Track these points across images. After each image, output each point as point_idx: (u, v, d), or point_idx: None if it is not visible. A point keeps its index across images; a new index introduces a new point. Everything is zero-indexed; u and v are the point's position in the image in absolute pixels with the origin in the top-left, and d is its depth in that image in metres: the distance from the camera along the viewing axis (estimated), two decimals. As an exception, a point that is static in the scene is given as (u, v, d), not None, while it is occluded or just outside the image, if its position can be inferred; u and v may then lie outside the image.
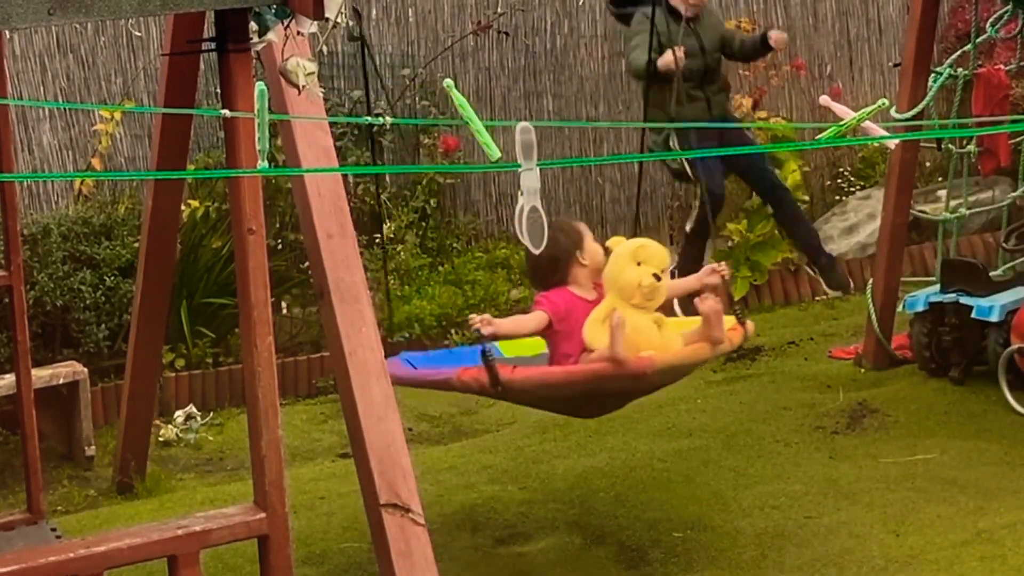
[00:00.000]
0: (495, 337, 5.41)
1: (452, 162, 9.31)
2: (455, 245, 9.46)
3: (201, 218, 8.46)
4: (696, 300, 5.64)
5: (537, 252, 4.43)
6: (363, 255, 5.58)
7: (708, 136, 7.81)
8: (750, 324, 5.87)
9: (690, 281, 6.01)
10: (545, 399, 5.67)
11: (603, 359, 5.31)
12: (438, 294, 8.94)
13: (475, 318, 5.35)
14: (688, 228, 8.29)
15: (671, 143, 7.85)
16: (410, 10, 9.53)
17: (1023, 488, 6.28)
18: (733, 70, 10.07)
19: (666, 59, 7.58)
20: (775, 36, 8.16)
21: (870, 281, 8.17)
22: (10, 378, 6.52)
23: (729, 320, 5.76)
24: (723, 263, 5.96)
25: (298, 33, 4.12)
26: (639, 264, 5.55)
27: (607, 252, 5.73)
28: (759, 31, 8.84)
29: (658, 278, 5.54)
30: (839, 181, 10.32)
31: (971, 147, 7.98)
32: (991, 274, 7.79)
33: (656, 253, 5.64)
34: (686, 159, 7.84)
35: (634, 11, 8.04)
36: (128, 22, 8.75)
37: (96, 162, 8.64)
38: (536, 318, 5.59)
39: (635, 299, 5.51)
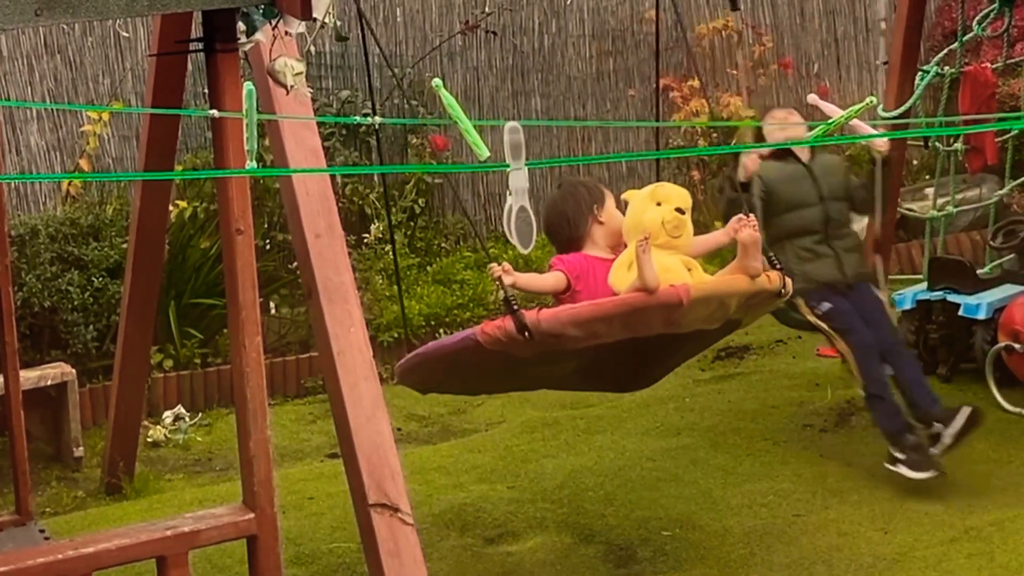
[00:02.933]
0: (514, 286, 5.06)
1: (440, 162, 9.32)
2: (443, 245, 9.46)
3: (189, 219, 8.45)
4: (731, 226, 5.32)
5: (526, 251, 4.41)
6: (351, 255, 5.58)
7: (837, 290, 6.73)
8: (788, 280, 5.41)
9: (718, 235, 5.54)
10: (578, 346, 5.10)
11: (634, 289, 4.99)
12: (427, 294, 8.95)
13: (495, 267, 5.05)
14: (861, 392, 6.78)
15: (800, 304, 6.70)
16: (398, 10, 9.54)
17: (1011, 485, 6.30)
18: (721, 69, 10.09)
19: (749, 163, 6.54)
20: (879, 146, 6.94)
21: (858, 279, 8.17)
22: (-2, 379, 6.50)
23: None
24: (751, 214, 5.49)
25: (286, 33, 4.12)
26: (659, 204, 5.26)
27: (624, 205, 5.47)
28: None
29: (682, 211, 5.24)
30: (827, 180, 10.33)
31: (958, 145, 7.99)
32: (978, 272, 7.80)
33: (675, 191, 5.33)
34: (812, 311, 6.69)
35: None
36: (116, 23, 8.74)
37: (84, 163, 8.63)
38: (554, 277, 5.31)
39: (661, 238, 5.18)
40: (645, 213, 5.22)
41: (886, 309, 7.00)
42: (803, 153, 6.83)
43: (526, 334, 4.86)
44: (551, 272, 5.33)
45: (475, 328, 5.01)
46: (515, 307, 4.85)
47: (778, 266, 5.36)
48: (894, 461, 6.39)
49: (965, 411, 6.45)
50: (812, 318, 6.70)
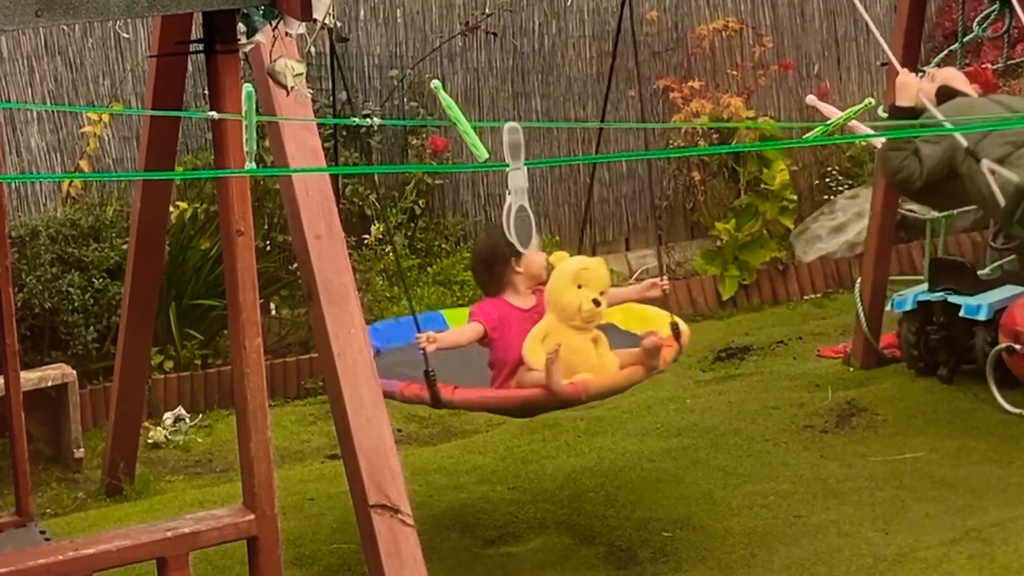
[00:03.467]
0: (439, 350, 5.58)
1: (440, 163, 9.31)
2: (444, 246, 9.46)
3: (189, 220, 8.45)
4: (641, 333, 5.81)
5: (524, 251, 4.46)
6: (351, 256, 5.58)
7: None
8: (685, 336, 5.94)
9: (628, 292, 6.23)
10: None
11: (539, 386, 5.50)
12: (427, 295, 8.94)
13: (420, 336, 5.50)
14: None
15: None
16: (398, 11, 9.53)
17: (1011, 486, 6.30)
18: (721, 70, 10.09)
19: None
20: None
21: (858, 280, 8.18)
22: (-2, 380, 6.50)
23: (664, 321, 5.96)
24: (664, 277, 6.09)
25: (286, 34, 4.11)
26: (580, 287, 5.67)
27: (550, 267, 5.88)
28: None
29: (598, 303, 5.67)
30: (827, 180, 10.34)
31: (959, 146, 7.97)
32: (979, 273, 7.80)
33: (597, 276, 5.73)
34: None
35: None
36: (116, 24, 8.74)
37: (84, 164, 8.63)
38: (472, 329, 5.79)
39: (575, 321, 5.65)
40: (565, 294, 5.65)
41: None
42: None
43: (439, 406, 5.54)
44: (469, 324, 5.83)
45: (400, 384, 5.54)
46: (433, 382, 5.41)
47: (677, 334, 5.87)
48: None
49: None
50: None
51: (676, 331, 5.92)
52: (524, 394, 5.59)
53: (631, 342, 5.95)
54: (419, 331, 5.54)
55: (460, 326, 5.92)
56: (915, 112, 6.59)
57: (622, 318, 6.21)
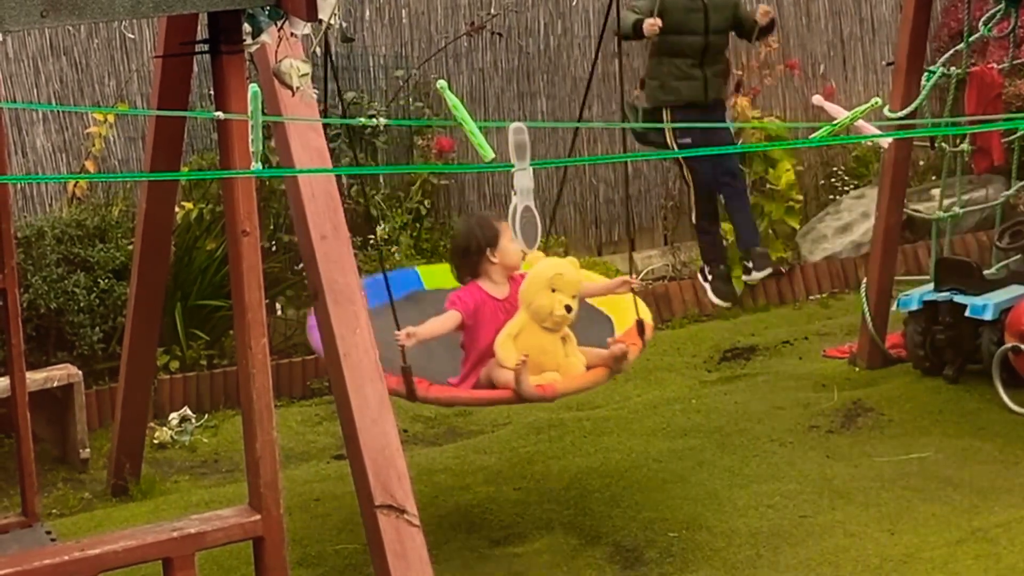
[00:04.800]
0: (420, 343, 5.81)
1: (446, 163, 9.31)
2: (449, 246, 9.45)
3: (195, 220, 8.46)
4: (610, 339, 6.12)
5: (530, 251, 4.48)
6: (357, 256, 5.59)
7: (694, 117, 7.70)
8: (649, 331, 6.26)
9: (599, 287, 6.48)
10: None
11: (508, 388, 5.82)
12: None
13: (399, 333, 5.69)
14: (694, 221, 8.09)
15: (667, 130, 7.72)
16: (403, 11, 9.53)
17: (1017, 487, 6.29)
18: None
19: (649, 24, 7.52)
20: (761, 10, 7.87)
21: (864, 280, 8.17)
22: (4, 381, 6.50)
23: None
24: (636, 276, 6.48)
25: (291, 34, 4.11)
26: (554, 291, 5.94)
27: (525, 258, 6.19)
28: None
29: (569, 309, 5.93)
30: (833, 180, 10.33)
31: (964, 146, 7.97)
32: (985, 273, 7.80)
33: (571, 282, 5.99)
34: (676, 139, 7.71)
35: None
36: (121, 24, 8.75)
37: (90, 164, 8.63)
38: (450, 317, 6.03)
39: (546, 324, 5.95)
40: (539, 297, 5.94)
41: (732, 139, 8.31)
42: None
43: (414, 399, 5.79)
44: (448, 313, 6.05)
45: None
46: (410, 378, 5.66)
47: (641, 332, 6.20)
48: (705, 279, 8.03)
49: (767, 269, 7.96)
50: (672, 143, 7.75)
51: (641, 328, 6.20)
52: (494, 395, 5.93)
53: (599, 325, 6.31)
54: (390, 294, 5.74)
55: (438, 317, 6.09)
56: None
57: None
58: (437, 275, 6.79)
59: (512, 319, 6.01)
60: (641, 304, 6.36)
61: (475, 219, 6.46)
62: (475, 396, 6.01)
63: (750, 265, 7.93)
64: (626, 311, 6.36)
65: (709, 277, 8.00)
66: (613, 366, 6.03)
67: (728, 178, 7.89)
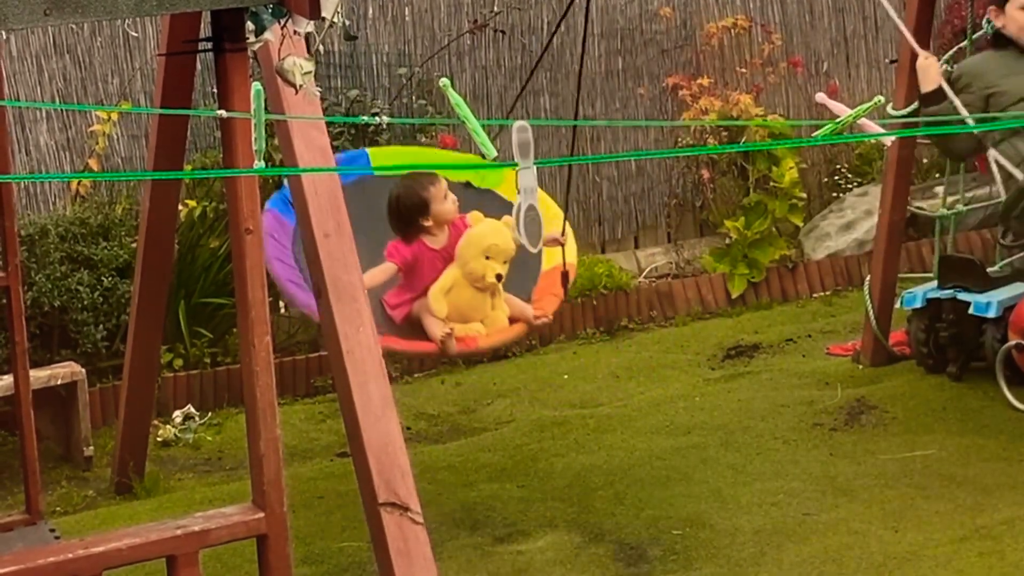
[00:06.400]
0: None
1: (449, 161, 9.30)
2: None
3: (198, 218, 8.46)
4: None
5: (535, 250, 4.51)
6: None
7: None
8: (571, 278, 6.63)
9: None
10: None
11: (435, 344, 6.30)
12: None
13: None
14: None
15: None
16: (406, 9, 9.53)
17: (1021, 484, 6.29)
18: (730, 68, 10.08)
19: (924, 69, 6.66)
20: None
21: (868, 278, 8.17)
22: (8, 379, 6.51)
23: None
24: (564, 233, 6.55)
25: (294, 32, 4.11)
26: (488, 258, 6.35)
27: (463, 221, 6.55)
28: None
29: (500, 278, 6.35)
30: (836, 178, 10.33)
31: (968, 144, 7.96)
32: (989, 270, 7.78)
33: (504, 251, 6.37)
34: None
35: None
36: (124, 22, 8.75)
37: (93, 163, 8.63)
38: (386, 269, 6.44)
39: (477, 285, 6.38)
40: (473, 261, 6.35)
41: None
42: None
43: None
44: (385, 264, 6.44)
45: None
46: None
47: (565, 279, 6.55)
48: None
49: None
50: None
51: (565, 278, 6.54)
52: (423, 347, 6.38)
53: (527, 266, 6.59)
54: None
55: (374, 268, 6.32)
56: (941, 94, 6.64)
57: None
58: (387, 155, 7.21)
59: (447, 271, 6.42)
60: (571, 248, 6.63)
61: (402, 189, 6.62)
62: (407, 347, 6.42)
63: None
64: (556, 250, 6.62)
65: None
66: (534, 325, 6.50)
67: None
